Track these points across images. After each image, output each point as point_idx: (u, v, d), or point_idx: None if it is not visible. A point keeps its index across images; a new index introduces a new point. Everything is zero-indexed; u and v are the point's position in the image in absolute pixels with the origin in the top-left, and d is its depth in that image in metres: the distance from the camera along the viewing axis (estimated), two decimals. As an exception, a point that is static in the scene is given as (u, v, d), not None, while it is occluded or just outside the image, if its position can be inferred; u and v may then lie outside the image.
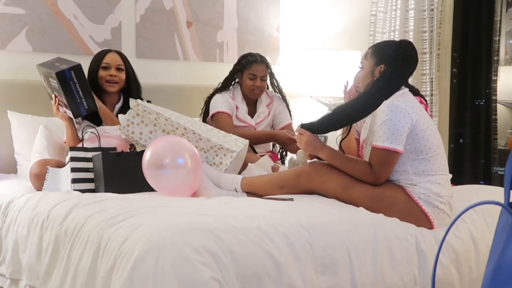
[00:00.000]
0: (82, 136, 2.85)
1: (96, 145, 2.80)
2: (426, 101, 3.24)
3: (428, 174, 2.43)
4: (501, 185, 2.74)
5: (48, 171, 2.72)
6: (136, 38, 3.82)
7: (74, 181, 2.67)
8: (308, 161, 2.65)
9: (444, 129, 4.44)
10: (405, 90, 2.50)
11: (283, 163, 3.66)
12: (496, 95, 4.37)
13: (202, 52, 4.05)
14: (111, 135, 2.94)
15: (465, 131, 4.45)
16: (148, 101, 3.02)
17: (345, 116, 2.50)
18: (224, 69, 3.69)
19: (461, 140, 4.47)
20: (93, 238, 2.05)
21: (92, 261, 2.00)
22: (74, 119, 3.02)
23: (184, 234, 1.87)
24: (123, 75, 3.21)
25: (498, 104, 4.40)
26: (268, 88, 3.73)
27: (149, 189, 2.57)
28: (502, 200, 1.44)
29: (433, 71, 4.38)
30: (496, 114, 4.38)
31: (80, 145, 2.84)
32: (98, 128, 2.90)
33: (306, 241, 2.07)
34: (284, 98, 3.71)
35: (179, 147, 2.53)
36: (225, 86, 3.60)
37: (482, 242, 2.46)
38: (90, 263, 2.00)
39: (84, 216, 2.19)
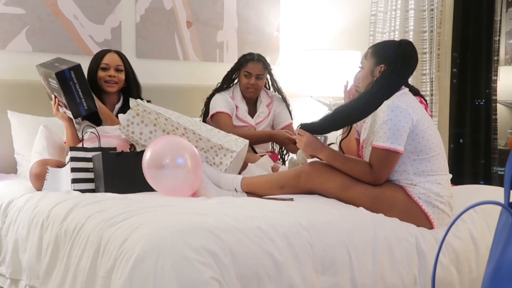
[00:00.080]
0: (82, 136, 2.85)
1: (96, 145, 2.80)
2: (426, 101, 3.25)
3: (428, 174, 2.43)
4: (501, 185, 2.74)
5: (48, 171, 2.72)
6: (136, 38, 3.82)
7: (74, 181, 2.67)
8: (308, 161, 2.65)
9: (444, 129, 4.44)
10: (405, 90, 2.50)
11: (283, 163, 3.66)
12: (496, 95, 4.37)
13: (202, 52, 4.05)
14: (111, 135, 2.94)
15: (465, 131, 4.45)
16: (148, 101, 3.03)
17: (345, 116, 2.49)
18: (224, 69, 3.69)
19: (461, 140, 4.47)
20: (93, 238, 2.05)
21: (92, 261, 2.00)
22: (74, 120, 3.02)
23: (184, 234, 1.87)
24: (122, 76, 3.21)
25: (498, 104, 4.40)
26: (269, 88, 3.74)
27: (149, 189, 2.57)
28: (502, 200, 1.44)
29: (433, 71, 4.38)
30: (496, 114, 4.38)
31: (80, 145, 2.84)
32: (98, 128, 2.90)
33: (306, 241, 2.07)
34: (284, 98, 3.71)
35: (179, 147, 2.53)
36: (224, 85, 3.61)
37: (482, 242, 2.46)
38: (90, 263, 2.00)
39: (84, 216, 2.19)
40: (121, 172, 2.65)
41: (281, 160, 3.74)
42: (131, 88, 3.24)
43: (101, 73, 3.17)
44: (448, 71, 4.48)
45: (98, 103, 3.04)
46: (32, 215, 2.45)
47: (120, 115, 2.89)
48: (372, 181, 2.42)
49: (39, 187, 2.74)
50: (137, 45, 3.82)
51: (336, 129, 2.60)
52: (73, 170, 2.68)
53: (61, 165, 2.83)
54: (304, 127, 2.56)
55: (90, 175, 2.71)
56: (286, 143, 3.49)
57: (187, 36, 3.99)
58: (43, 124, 3.21)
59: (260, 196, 2.55)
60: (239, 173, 2.91)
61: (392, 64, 2.48)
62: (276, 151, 3.79)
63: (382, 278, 2.20)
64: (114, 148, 2.82)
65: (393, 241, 2.25)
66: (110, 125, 3.04)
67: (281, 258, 1.99)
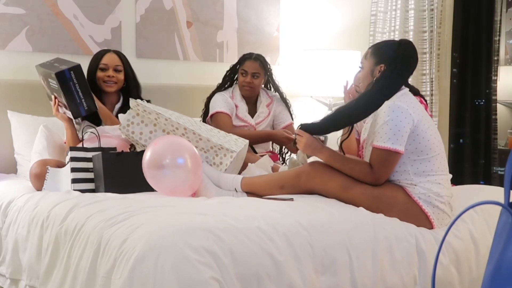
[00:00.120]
0: (82, 136, 2.85)
1: (96, 145, 2.80)
2: (426, 101, 3.25)
3: (428, 174, 2.43)
4: (501, 185, 2.73)
5: (48, 171, 2.72)
6: (136, 38, 3.82)
7: (74, 181, 2.67)
8: (308, 161, 2.65)
9: (444, 129, 4.44)
10: (405, 90, 2.50)
11: (283, 163, 3.66)
12: (496, 95, 4.37)
13: (202, 52, 4.05)
14: (111, 135, 2.94)
15: (465, 131, 4.45)
16: (148, 101, 3.02)
17: (346, 116, 2.49)
18: (224, 69, 3.70)
19: (461, 140, 4.47)
20: (93, 238, 2.05)
21: (92, 261, 2.00)
22: (73, 120, 3.02)
23: (184, 234, 1.87)
24: (121, 76, 3.21)
25: (498, 104, 4.40)
26: (270, 88, 3.74)
27: (149, 189, 2.57)
28: (502, 200, 1.44)
29: (433, 71, 4.38)
30: (496, 114, 4.38)
31: (80, 145, 2.84)
32: (98, 128, 2.90)
33: (306, 241, 2.07)
34: (283, 98, 3.71)
35: (179, 147, 2.53)
36: (223, 84, 3.62)
37: (482, 242, 2.46)
38: (90, 263, 2.00)
39: (84, 216, 2.19)
40: (121, 172, 2.65)
41: (281, 160, 3.74)
42: (130, 88, 3.24)
43: (99, 73, 3.17)
44: (448, 71, 4.49)
45: (98, 103, 3.04)
46: (32, 215, 2.45)
47: (120, 115, 2.89)
48: (372, 182, 2.42)
49: (39, 187, 2.74)
50: (137, 45, 3.82)
51: (337, 130, 2.60)
52: (73, 170, 2.68)
53: (61, 165, 2.83)
54: (304, 127, 2.56)
55: (90, 175, 2.71)
56: (285, 143, 3.50)
57: (187, 36, 3.99)
58: (43, 124, 3.21)
59: (260, 196, 2.55)
60: (239, 173, 2.91)
61: (392, 64, 2.48)
62: (276, 151, 3.80)
63: (382, 278, 2.20)
64: (114, 148, 2.82)
65: (393, 241, 2.25)
66: (110, 125, 3.04)
67: (281, 258, 1.98)
